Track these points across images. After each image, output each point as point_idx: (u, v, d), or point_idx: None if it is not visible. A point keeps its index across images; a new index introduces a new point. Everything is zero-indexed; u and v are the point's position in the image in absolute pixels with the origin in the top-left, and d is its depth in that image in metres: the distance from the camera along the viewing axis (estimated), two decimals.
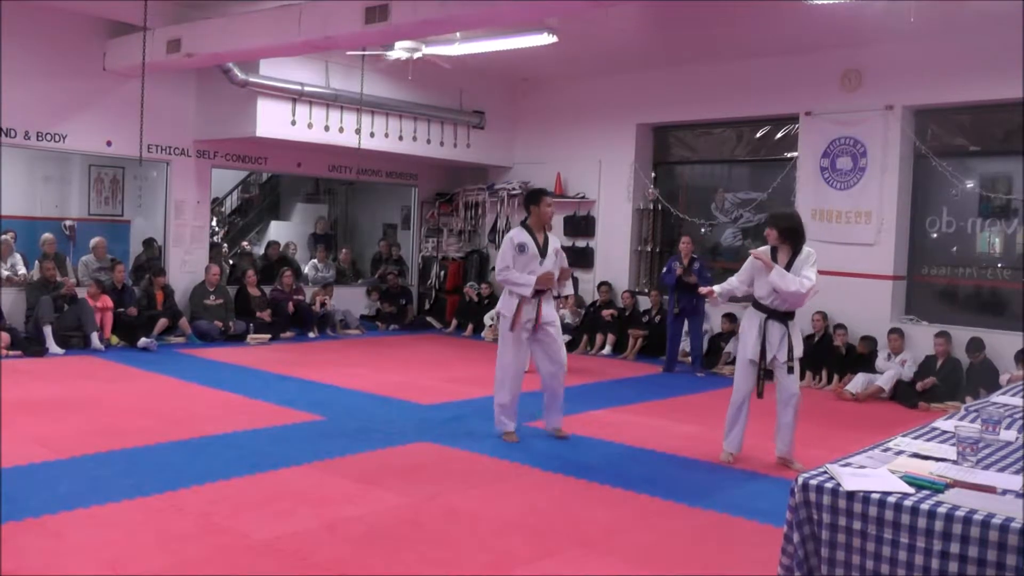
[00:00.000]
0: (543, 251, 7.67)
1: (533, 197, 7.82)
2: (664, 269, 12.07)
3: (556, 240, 7.92)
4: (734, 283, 7.15)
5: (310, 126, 12.69)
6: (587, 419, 8.58)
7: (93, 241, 13.23)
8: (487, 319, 14.49)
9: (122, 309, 11.88)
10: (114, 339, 11.71)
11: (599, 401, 9.52)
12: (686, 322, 12.03)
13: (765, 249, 7.08)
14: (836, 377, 10.88)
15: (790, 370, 6.99)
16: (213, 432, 7.31)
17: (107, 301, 11.71)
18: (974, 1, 9.10)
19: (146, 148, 11.15)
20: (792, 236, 6.95)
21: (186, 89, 12.99)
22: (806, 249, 7.00)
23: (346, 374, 10.40)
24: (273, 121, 12.35)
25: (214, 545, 4.76)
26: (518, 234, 7.66)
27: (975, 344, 10.17)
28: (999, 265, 11.04)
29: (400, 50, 10.72)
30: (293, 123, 12.52)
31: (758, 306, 7.05)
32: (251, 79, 11.93)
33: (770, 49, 11.91)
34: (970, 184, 11.09)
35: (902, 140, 11.21)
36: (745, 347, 7.06)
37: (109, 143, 12.22)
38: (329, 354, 12.15)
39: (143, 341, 11.54)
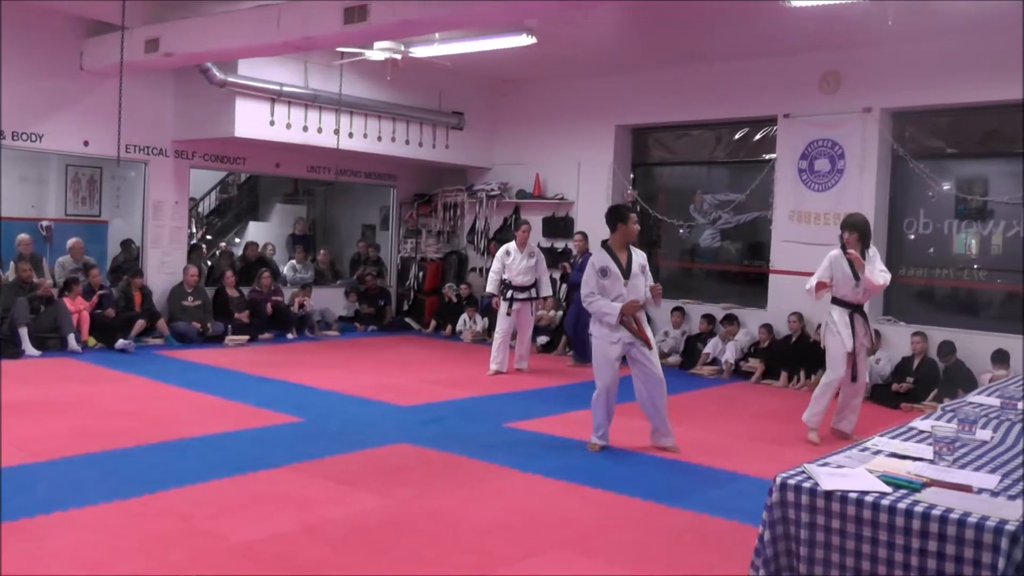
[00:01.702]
0: (627, 271, 7.37)
1: (620, 215, 7.52)
2: (575, 268, 12.29)
3: (641, 255, 7.56)
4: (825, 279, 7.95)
5: (289, 126, 12.65)
6: (568, 420, 8.60)
7: (70, 242, 13.14)
8: (460, 323, 14.50)
9: (100, 310, 11.82)
10: (91, 341, 11.63)
11: (579, 402, 9.48)
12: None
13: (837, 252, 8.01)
14: (814, 377, 10.94)
15: (870, 353, 8.25)
16: (192, 434, 7.28)
17: (84, 302, 11.63)
18: (952, 1, 9.15)
19: (124, 148, 11.06)
20: (866, 239, 7.97)
21: (164, 89, 12.92)
22: (872, 248, 8.04)
23: (325, 375, 10.38)
24: (252, 121, 12.30)
25: (194, 548, 4.74)
26: (600, 257, 7.41)
27: (947, 347, 10.27)
28: (975, 266, 11.13)
29: (379, 51, 10.71)
30: (272, 123, 12.47)
31: (841, 302, 7.99)
32: (230, 79, 11.87)
33: (749, 51, 11.95)
34: (947, 186, 11.17)
35: (880, 142, 11.28)
36: (841, 339, 7.89)
37: (86, 143, 12.14)
38: (308, 355, 12.12)
39: (121, 343, 11.47)
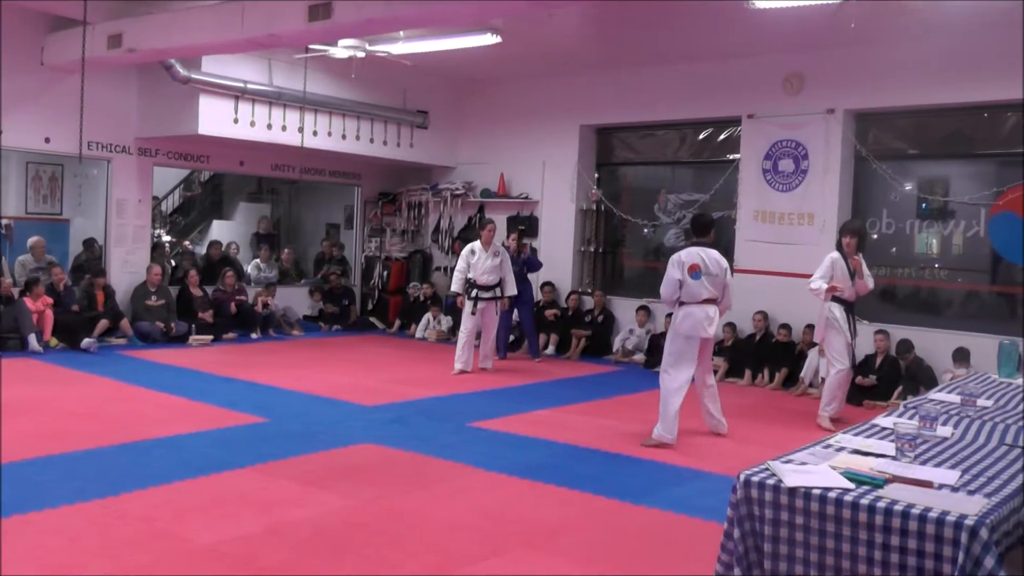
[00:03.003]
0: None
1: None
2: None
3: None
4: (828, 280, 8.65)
5: (253, 124, 12.57)
6: (532, 419, 8.61)
7: (31, 241, 12.98)
8: (424, 322, 14.49)
9: (61, 309, 11.69)
10: (53, 341, 11.51)
11: (544, 401, 9.56)
12: (520, 311, 12.62)
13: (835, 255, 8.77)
14: (777, 375, 11.03)
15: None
16: (155, 435, 7.21)
17: (48, 300, 11.51)
18: (914, 2, 9.24)
19: (86, 145, 10.96)
20: (863, 244, 8.91)
21: (127, 85, 12.80)
22: (860, 255, 8.84)
23: (289, 375, 10.33)
24: (215, 119, 12.20)
25: (157, 550, 4.70)
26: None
27: (904, 345, 10.40)
28: (936, 265, 11.27)
29: (344, 48, 10.68)
30: (236, 121, 12.39)
31: (839, 300, 8.71)
32: (193, 76, 11.78)
33: (713, 52, 12.02)
34: (909, 187, 11.29)
35: (843, 143, 11.38)
36: (845, 332, 8.69)
37: (47, 140, 12.00)
38: (272, 355, 12.06)
39: (85, 342, 11.35)
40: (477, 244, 11.40)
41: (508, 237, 12.73)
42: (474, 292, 11.22)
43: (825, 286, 8.57)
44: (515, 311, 12.54)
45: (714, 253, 7.78)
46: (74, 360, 10.75)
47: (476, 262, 11.23)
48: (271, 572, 4.50)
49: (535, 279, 13.42)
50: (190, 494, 5.71)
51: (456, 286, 11.44)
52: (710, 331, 7.75)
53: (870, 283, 8.93)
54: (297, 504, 5.60)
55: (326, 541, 4.94)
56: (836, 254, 8.77)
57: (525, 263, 12.57)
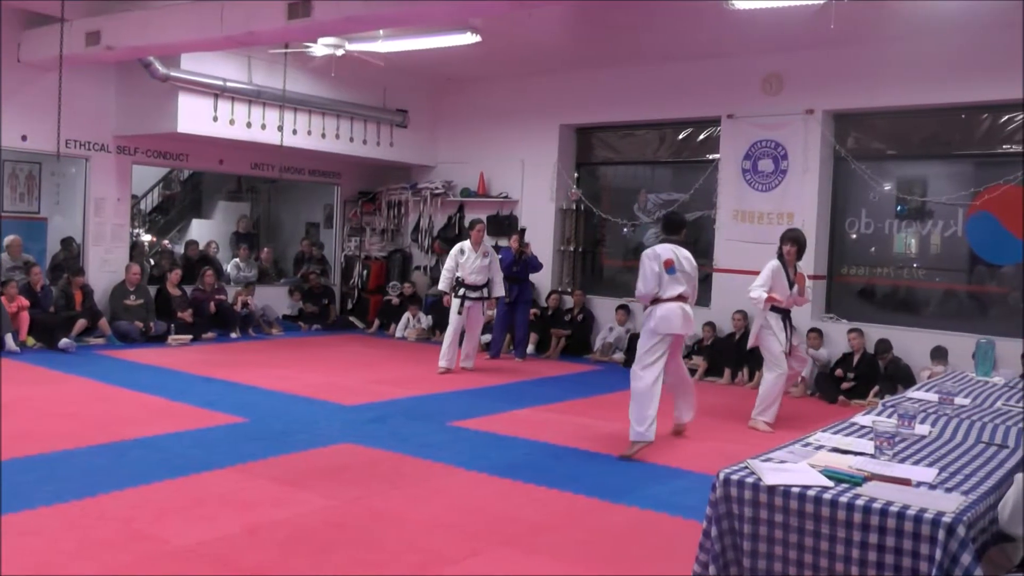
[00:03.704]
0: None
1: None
2: (499, 256, 12.36)
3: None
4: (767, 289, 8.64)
5: (232, 122, 12.52)
6: (511, 418, 8.61)
7: (7, 240, 12.85)
8: (403, 322, 14.48)
9: (39, 309, 11.62)
10: (30, 340, 11.43)
11: (523, 400, 9.56)
12: (516, 311, 12.58)
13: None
14: (757, 374, 11.05)
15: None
16: (134, 436, 7.17)
17: (23, 301, 11.43)
18: (892, 1, 9.29)
19: (64, 143, 10.91)
20: (802, 252, 8.82)
21: (106, 83, 12.73)
22: (800, 263, 8.90)
23: (269, 375, 10.30)
24: (194, 117, 12.15)
25: (136, 552, 4.67)
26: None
27: (883, 345, 10.47)
28: (915, 265, 11.35)
29: (323, 47, 10.65)
30: (215, 119, 12.34)
31: (775, 308, 8.66)
32: (172, 73, 11.72)
33: (693, 52, 12.05)
34: (887, 187, 11.36)
35: (822, 143, 11.44)
36: (780, 340, 8.64)
37: (24, 138, 11.92)
38: (251, 355, 12.01)
39: (63, 342, 11.28)
40: (467, 244, 11.38)
41: (511, 238, 12.73)
42: (461, 291, 11.21)
43: (764, 295, 8.55)
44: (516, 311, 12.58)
45: (685, 251, 7.78)
46: (52, 360, 10.68)
47: (465, 262, 11.22)
48: (251, 573, 4.48)
49: (538, 279, 13.49)
50: (169, 495, 5.68)
51: (443, 284, 11.44)
52: (691, 328, 7.78)
53: (808, 296, 9.04)
54: (277, 504, 5.58)
55: (306, 542, 4.93)
56: (776, 263, 8.72)
57: (526, 264, 12.57)
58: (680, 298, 7.63)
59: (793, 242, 8.73)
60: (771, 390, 8.67)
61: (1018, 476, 3.07)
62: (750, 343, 9.11)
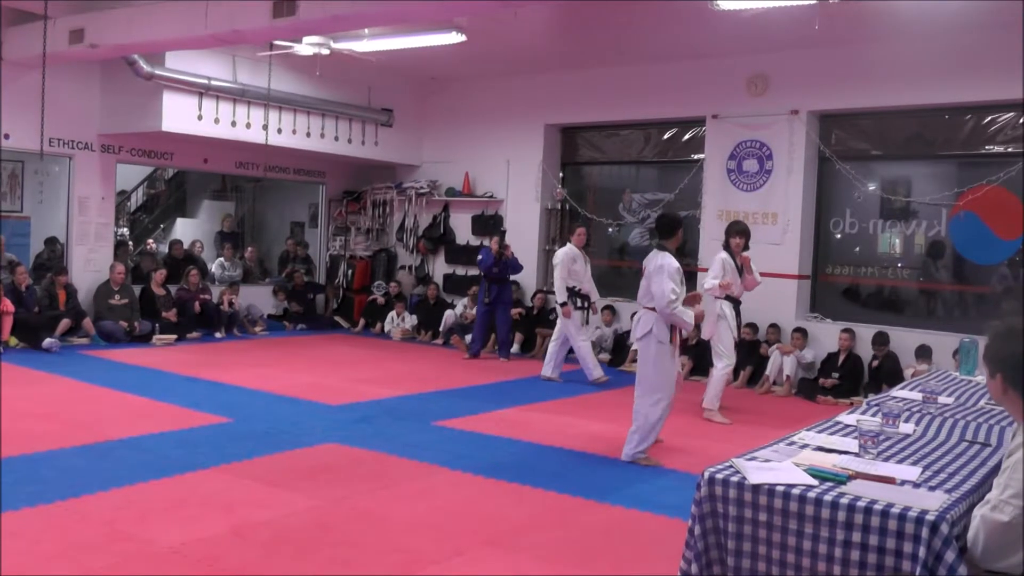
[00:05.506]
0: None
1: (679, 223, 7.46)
2: (479, 256, 12.49)
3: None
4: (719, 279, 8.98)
5: (217, 121, 12.48)
6: (495, 417, 8.61)
7: None
8: (389, 321, 14.46)
9: (23, 310, 11.55)
10: (13, 340, 11.37)
11: (507, 400, 9.56)
12: (497, 312, 12.54)
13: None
14: (742, 373, 11.10)
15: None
16: (117, 436, 7.14)
17: (8, 307, 11.35)
18: (876, 1, 9.32)
19: (47, 142, 10.84)
20: (747, 242, 9.20)
21: (90, 81, 12.66)
22: (748, 252, 9.26)
23: (254, 375, 10.27)
24: (179, 115, 12.10)
25: (119, 553, 4.65)
26: (673, 261, 7.05)
27: (880, 338, 10.49)
28: (899, 265, 11.40)
29: (308, 45, 10.62)
30: (200, 118, 12.29)
31: (729, 298, 9.03)
32: (157, 72, 11.67)
33: (678, 53, 12.06)
34: (872, 187, 11.40)
35: (807, 144, 11.47)
36: (733, 329, 9.08)
37: (7, 136, 11.81)
38: (236, 355, 11.98)
39: (47, 342, 11.22)
40: (574, 250, 10.94)
41: (491, 240, 12.68)
42: (580, 303, 10.97)
43: (717, 283, 8.92)
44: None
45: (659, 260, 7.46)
46: (35, 360, 10.62)
47: (577, 268, 10.86)
48: (235, 573, 4.47)
49: (523, 279, 13.49)
50: (153, 495, 5.65)
51: (560, 296, 10.83)
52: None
53: (758, 278, 9.34)
54: (261, 505, 5.56)
55: (290, 542, 4.92)
56: (724, 254, 9.17)
57: (507, 265, 12.50)
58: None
59: (741, 234, 9.15)
60: (721, 380, 9.09)
61: (975, 512, 3.08)
62: (705, 335, 9.46)
